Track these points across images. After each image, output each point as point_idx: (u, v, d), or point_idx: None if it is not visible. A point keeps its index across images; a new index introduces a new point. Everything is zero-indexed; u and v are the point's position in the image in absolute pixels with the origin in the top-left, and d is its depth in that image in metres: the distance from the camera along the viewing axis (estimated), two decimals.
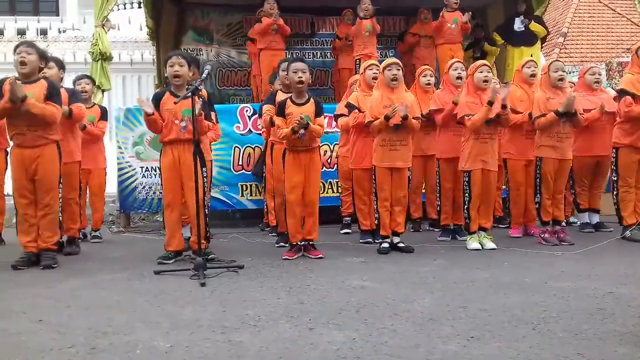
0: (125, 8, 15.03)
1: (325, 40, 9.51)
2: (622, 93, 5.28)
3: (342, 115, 5.61)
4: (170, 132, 4.43)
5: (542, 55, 9.38)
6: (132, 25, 13.72)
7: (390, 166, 4.78)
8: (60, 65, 5.13)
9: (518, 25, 8.23)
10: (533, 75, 5.52)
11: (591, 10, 17.53)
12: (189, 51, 9.06)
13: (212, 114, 4.93)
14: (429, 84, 5.81)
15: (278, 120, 4.65)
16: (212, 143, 5.65)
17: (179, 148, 4.43)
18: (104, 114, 5.99)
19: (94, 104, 6.03)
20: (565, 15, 17.20)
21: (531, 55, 8.17)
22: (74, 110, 4.84)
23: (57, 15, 15.99)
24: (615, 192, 5.41)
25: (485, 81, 4.93)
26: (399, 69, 4.79)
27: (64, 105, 4.70)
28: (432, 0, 8.44)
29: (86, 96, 5.63)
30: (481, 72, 4.94)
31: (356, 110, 5.15)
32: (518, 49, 8.24)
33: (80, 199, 5.32)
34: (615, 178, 5.40)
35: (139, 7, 14.44)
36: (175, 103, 4.23)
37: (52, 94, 4.36)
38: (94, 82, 6.23)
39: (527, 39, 8.31)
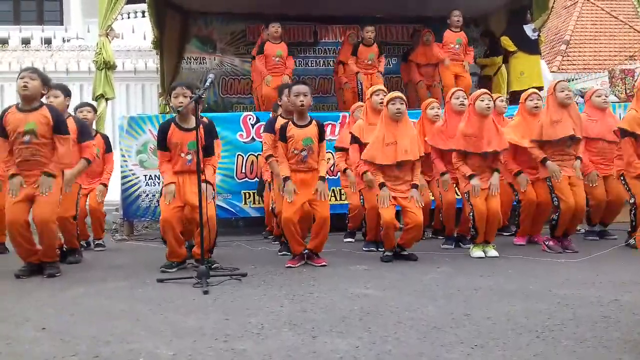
0: (129, 17, 15.13)
1: (329, 48, 9.54)
2: (623, 133, 5.26)
3: (342, 149, 5.58)
4: (176, 164, 4.47)
5: (545, 62, 9.43)
6: (135, 34, 13.78)
7: (395, 196, 4.77)
8: (66, 92, 5.08)
9: (530, 33, 8.26)
10: (537, 107, 5.43)
11: (594, 17, 17.55)
12: (192, 59, 9.12)
13: (216, 142, 4.93)
14: (437, 115, 5.75)
15: (279, 148, 4.67)
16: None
17: (184, 176, 4.48)
18: (107, 145, 6.01)
19: (96, 132, 6.04)
20: (568, 23, 17.23)
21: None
22: (89, 158, 4.92)
23: (62, 24, 16.10)
24: (633, 212, 5.28)
25: (488, 108, 4.91)
26: (402, 103, 4.78)
27: (82, 160, 4.83)
28: (434, 8, 8.47)
29: (88, 124, 5.59)
30: (482, 100, 4.91)
31: (357, 145, 5.17)
32: (534, 57, 8.29)
33: (76, 220, 5.22)
34: (633, 201, 5.30)
35: (143, 16, 14.54)
36: (179, 110, 4.23)
37: (60, 126, 4.33)
38: (95, 110, 6.22)
39: (538, 47, 8.39)
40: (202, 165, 4.21)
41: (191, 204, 4.38)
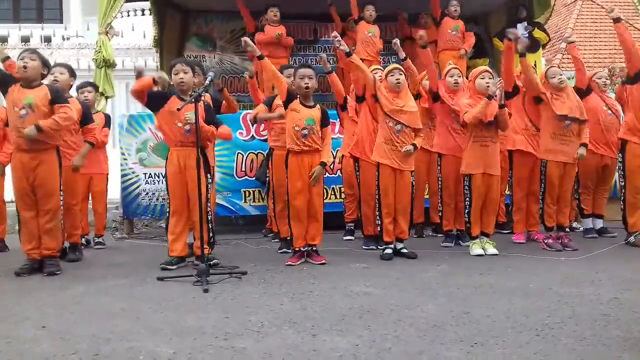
0: (128, 15, 15.11)
1: (328, 46, 9.50)
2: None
3: (345, 104, 5.56)
4: (174, 135, 4.48)
5: (544, 61, 9.38)
6: (135, 33, 13.78)
7: (393, 166, 4.78)
8: (72, 72, 5.15)
9: (522, 31, 8.23)
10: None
11: (594, 15, 17.53)
12: (192, 58, 9.09)
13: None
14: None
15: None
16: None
17: (185, 154, 4.46)
18: (107, 121, 6.04)
19: (98, 111, 6.06)
20: (568, 21, 17.21)
21: (535, 62, 8.24)
22: (93, 141, 5.15)
23: (61, 22, 16.09)
24: (622, 197, 5.35)
25: (487, 87, 4.92)
26: (401, 74, 4.80)
27: (86, 143, 5.06)
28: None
29: (89, 104, 5.61)
30: (482, 78, 4.93)
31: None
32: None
33: (81, 206, 5.30)
34: (623, 183, 5.35)
35: (142, 14, 14.53)
36: (178, 110, 4.24)
37: (56, 97, 4.38)
38: (96, 88, 6.25)
39: (531, 45, 8.32)
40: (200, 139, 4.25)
41: (191, 187, 4.42)
